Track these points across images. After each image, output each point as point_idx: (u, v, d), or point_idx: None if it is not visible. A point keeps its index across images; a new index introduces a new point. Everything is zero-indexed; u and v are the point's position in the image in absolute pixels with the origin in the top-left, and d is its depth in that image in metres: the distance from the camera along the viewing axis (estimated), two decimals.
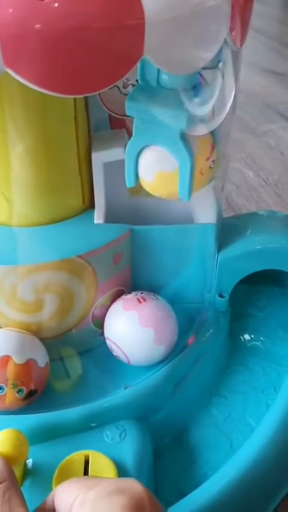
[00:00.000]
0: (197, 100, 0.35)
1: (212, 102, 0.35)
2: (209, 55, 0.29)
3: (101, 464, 0.35)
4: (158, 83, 0.33)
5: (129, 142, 0.36)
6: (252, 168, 0.84)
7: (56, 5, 0.22)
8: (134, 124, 0.35)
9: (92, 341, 0.44)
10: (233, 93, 0.36)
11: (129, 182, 0.37)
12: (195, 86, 0.34)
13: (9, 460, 0.32)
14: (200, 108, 0.34)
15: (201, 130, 0.36)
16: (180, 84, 0.32)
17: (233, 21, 0.30)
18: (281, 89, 1.07)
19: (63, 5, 0.22)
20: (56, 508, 0.28)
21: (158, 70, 0.33)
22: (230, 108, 0.36)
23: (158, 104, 0.33)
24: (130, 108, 0.34)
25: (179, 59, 0.27)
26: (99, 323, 0.43)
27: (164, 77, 0.32)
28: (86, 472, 0.34)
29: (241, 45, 0.33)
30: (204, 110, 0.34)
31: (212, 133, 0.38)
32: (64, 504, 0.27)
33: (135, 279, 0.45)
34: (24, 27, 0.22)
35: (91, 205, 0.44)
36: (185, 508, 0.35)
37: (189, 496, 0.35)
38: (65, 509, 0.27)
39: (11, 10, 0.22)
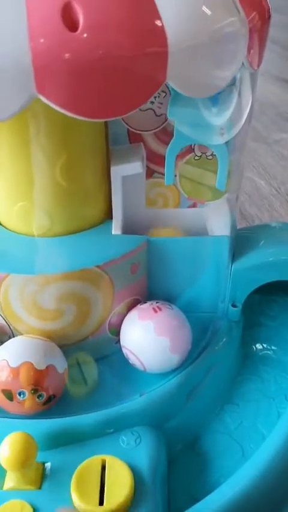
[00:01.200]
0: (214, 109, 0.36)
1: (229, 112, 0.36)
2: (228, 78, 0.30)
3: (117, 468, 0.36)
4: None
5: (171, 143, 0.39)
6: (264, 177, 0.85)
7: (85, 35, 0.24)
8: (175, 127, 0.38)
9: (108, 348, 0.45)
10: (249, 106, 0.38)
11: (168, 180, 0.41)
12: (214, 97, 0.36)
13: (17, 462, 0.34)
14: (217, 117, 0.36)
15: (217, 140, 0.37)
16: None
17: (250, 44, 0.31)
18: None
19: (92, 35, 0.24)
20: None
21: None
22: (245, 119, 0.38)
23: (194, 107, 0.34)
24: (172, 113, 0.37)
25: (199, 83, 0.28)
26: (116, 331, 0.44)
27: None
28: (102, 476, 0.36)
29: (258, 67, 0.34)
30: (221, 120, 0.36)
31: (227, 143, 0.39)
32: None
33: (150, 289, 0.46)
34: (55, 57, 0.23)
35: (108, 216, 0.45)
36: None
37: (201, 502, 0.36)
38: None
39: (42, 40, 0.23)
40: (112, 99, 0.25)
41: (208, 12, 0.28)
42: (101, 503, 0.34)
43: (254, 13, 0.32)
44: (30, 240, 0.42)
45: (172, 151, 0.40)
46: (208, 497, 0.36)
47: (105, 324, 0.44)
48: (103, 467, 0.36)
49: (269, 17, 0.34)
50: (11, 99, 0.24)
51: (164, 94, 0.42)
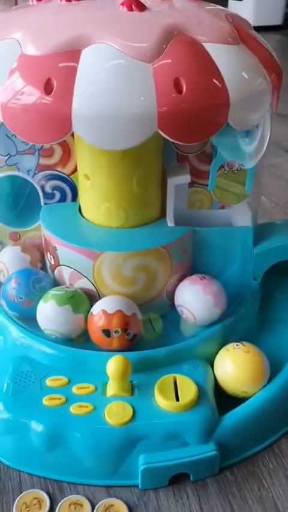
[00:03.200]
0: (247, 139, 0.54)
1: (256, 142, 0.54)
2: (260, 118, 0.48)
3: (185, 381, 0.52)
4: None
5: (214, 160, 0.57)
6: (264, 194, 1.03)
7: (187, 95, 0.41)
8: (217, 149, 0.55)
9: (164, 309, 0.62)
10: (268, 138, 0.56)
11: (211, 186, 0.58)
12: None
13: (120, 373, 0.50)
14: (249, 146, 0.54)
15: (248, 164, 0.55)
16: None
17: (272, 95, 0.50)
18: (285, 128, 1.29)
19: (190, 96, 0.41)
20: None
21: None
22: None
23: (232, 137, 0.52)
24: (215, 140, 0.54)
25: (244, 122, 0.46)
26: (170, 296, 0.61)
27: None
28: (176, 387, 0.52)
29: (275, 109, 0.52)
30: (252, 147, 0.54)
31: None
32: None
33: (193, 267, 0.63)
34: (171, 108, 0.41)
35: (161, 215, 0.62)
36: (237, 413, 0.52)
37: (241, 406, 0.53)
38: None
39: (163, 98, 0.41)
40: (199, 131, 0.43)
41: (246, 76, 0.46)
42: (177, 400, 0.50)
43: (273, 74, 0.50)
44: (113, 230, 0.59)
45: (215, 166, 0.57)
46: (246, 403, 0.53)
47: (164, 290, 0.61)
48: (174, 382, 0.52)
49: (282, 76, 0.52)
50: (140, 133, 0.42)
51: None
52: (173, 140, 0.43)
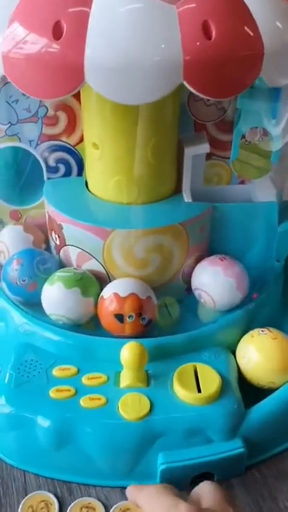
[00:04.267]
0: (273, 121, 0.49)
1: (283, 123, 0.49)
2: None
3: (207, 370, 0.47)
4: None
5: (237, 126, 0.51)
6: None
7: (217, 42, 0.36)
8: (242, 113, 0.50)
9: (180, 293, 0.56)
10: None
11: (234, 155, 0.53)
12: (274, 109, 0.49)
13: (136, 362, 0.45)
14: (275, 127, 0.49)
15: (274, 146, 0.50)
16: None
17: None
18: None
19: (221, 42, 0.36)
20: None
21: None
22: None
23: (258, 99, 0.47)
24: (240, 102, 0.49)
25: (278, 78, 0.41)
26: (186, 279, 0.56)
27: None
28: (197, 377, 0.47)
29: None
30: (278, 129, 0.48)
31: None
32: None
33: (211, 248, 0.58)
34: (198, 55, 0.36)
35: (177, 191, 0.57)
36: (265, 406, 0.47)
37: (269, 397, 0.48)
38: None
39: (190, 44, 0.36)
40: (229, 84, 0.37)
41: (281, 26, 0.41)
42: (198, 392, 0.45)
43: None
44: (124, 207, 0.54)
45: (238, 133, 0.52)
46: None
47: (180, 273, 0.55)
48: (194, 371, 0.47)
49: None
50: (163, 85, 0.36)
51: None
52: (200, 94, 0.37)
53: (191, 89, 0.37)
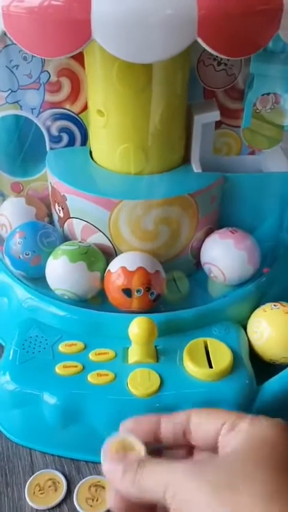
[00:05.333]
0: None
1: None
2: None
3: (218, 345, 0.46)
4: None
5: (250, 93, 0.48)
6: None
7: None
8: (255, 78, 0.47)
9: (189, 268, 0.55)
10: None
11: (246, 123, 0.51)
12: None
13: (145, 337, 0.43)
14: None
15: None
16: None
17: None
18: None
19: None
20: (194, 436, 0.33)
21: None
22: None
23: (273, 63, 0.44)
24: (254, 67, 0.46)
25: None
26: (195, 253, 0.54)
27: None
28: (207, 352, 0.45)
29: None
30: None
31: None
32: (206, 432, 0.32)
33: (221, 220, 0.56)
34: (212, 11, 0.33)
35: (185, 161, 0.55)
36: (278, 381, 0.46)
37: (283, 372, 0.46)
38: (209, 436, 0.32)
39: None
40: (247, 41, 0.35)
41: None
42: (210, 367, 0.44)
43: None
44: (131, 177, 0.51)
45: (251, 99, 0.49)
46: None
47: (188, 247, 0.54)
48: (205, 347, 0.46)
49: None
50: (175, 41, 0.34)
51: None
52: (215, 52, 0.35)
53: (206, 47, 0.34)
